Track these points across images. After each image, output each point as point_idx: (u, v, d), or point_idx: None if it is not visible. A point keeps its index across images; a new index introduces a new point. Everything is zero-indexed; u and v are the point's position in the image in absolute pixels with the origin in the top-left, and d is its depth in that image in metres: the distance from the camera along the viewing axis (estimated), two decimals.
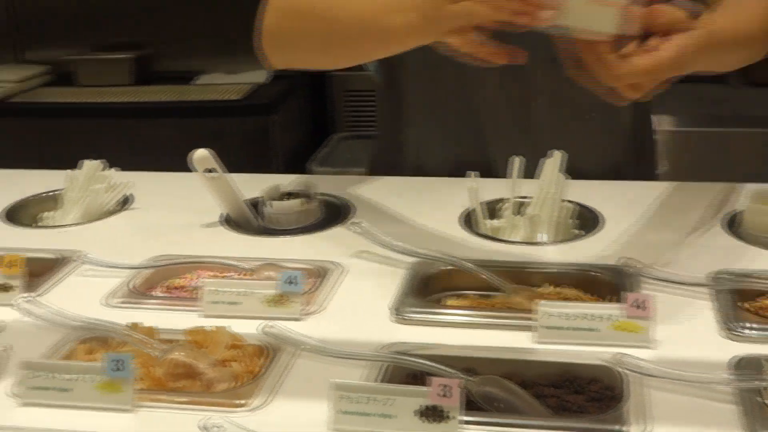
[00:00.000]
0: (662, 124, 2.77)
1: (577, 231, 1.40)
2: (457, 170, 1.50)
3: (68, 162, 1.60)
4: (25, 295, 1.17)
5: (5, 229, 1.51)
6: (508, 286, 1.18)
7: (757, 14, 1.20)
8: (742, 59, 1.24)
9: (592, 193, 1.47)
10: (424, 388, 0.91)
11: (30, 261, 1.33)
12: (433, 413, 0.91)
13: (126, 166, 1.65)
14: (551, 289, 1.20)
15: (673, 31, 1.05)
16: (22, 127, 3.12)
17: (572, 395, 0.99)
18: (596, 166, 1.56)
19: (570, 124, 1.54)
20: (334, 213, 1.49)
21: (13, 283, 1.22)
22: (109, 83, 3.23)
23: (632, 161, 1.62)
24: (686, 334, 1.07)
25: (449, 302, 1.22)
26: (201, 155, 1.41)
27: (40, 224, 1.57)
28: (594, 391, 0.99)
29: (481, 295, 1.22)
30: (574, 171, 1.41)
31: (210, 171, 1.43)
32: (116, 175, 1.58)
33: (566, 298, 1.18)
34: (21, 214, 1.59)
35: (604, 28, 1.03)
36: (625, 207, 1.44)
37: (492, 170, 1.51)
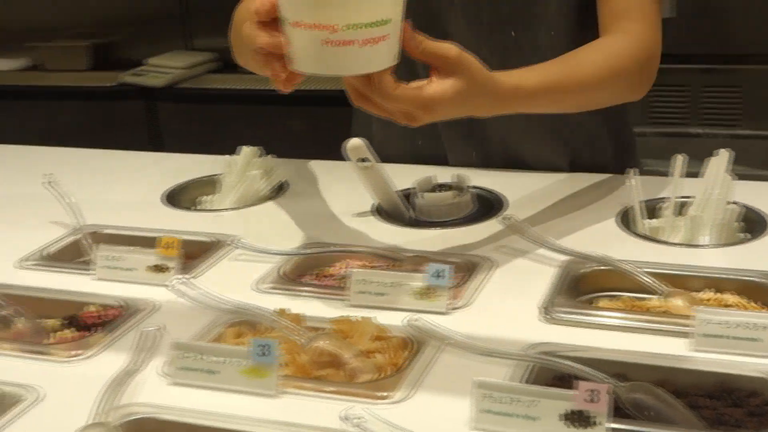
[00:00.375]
0: None
1: (743, 235, 1.33)
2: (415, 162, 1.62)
3: (230, 147, 1.64)
4: (180, 276, 1.20)
5: (165, 211, 1.56)
6: (665, 290, 1.13)
7: (545, 72, 1.23)
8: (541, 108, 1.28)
9: (761, 194, 1.39)
10: (570, 392, 0.87)
11: (186, 243, 1.36)
12: (578, 418, 0.87)
13: (284, 153, 1.68)
14: (711, 294, 1.14)
15: (446, 68, 1.08)
16: (188, 111, 3.23)
17: (730, 408, 0.93)
18: (552, 158, 1.58)
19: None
20: (487, 206, 1.46)
21: (169, 264, 1.25)
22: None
23: (594, 154, 1.59)
24: None
25: (601, 303, 1.17)
26: (354, 144, 1.41)
27: (198, 207, 1.61)
28: (754, 405, 0.93)
29: (635, 298, 1.17)
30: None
31: (363, 160, 1.43)
32: (272, 162, 1.60)
33: (727, 306, 1.12)
34: (182, 196, 1.64)
35: (386, 65, 1.04)
36: None
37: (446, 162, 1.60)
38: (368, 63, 1.03)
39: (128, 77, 3.36)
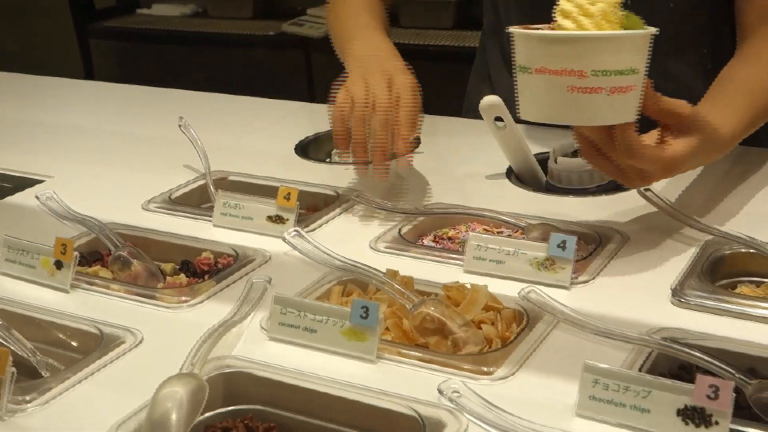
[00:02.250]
0: None
1: None
2: None
3: None
4: (296, 228, 1.17)
5: (296, 162, 1.53)
6: None
7: (745, 115, 1.18)
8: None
9: None
10: (689, 386, 0.79)
11: (310, 195, 1.34)
12: (696, 415, 0.79)
13: (433, 109, 1.63)
14: None
15: (680, 127, 1.07)
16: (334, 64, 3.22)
17: None
18: None
19: None
20: None
21: (287, 215, 1.22)
22: (430, 26, 3.24)
23: None
24: None
25: (743, 289, 1.06)
26: (489, 102, 1.34)
27: (330, 160, 1.58)
28: None
29: None
30: None
31: (498, 120, 1.36)
32: None
33: None
34: (316, 148, 1.61)
35: (630, 117, 1.01)
36: None
37: None
38: (614, 113, 1.00)
39: (288, 27, 3.38)
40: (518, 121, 1.37)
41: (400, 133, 1.23)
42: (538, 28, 1.03)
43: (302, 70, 3.42)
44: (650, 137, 1.10)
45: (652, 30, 1.00)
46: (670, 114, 1.06)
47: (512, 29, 1.03)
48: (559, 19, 1.00)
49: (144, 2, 3.94)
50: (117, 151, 1.65)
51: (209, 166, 1.42)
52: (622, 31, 0.98)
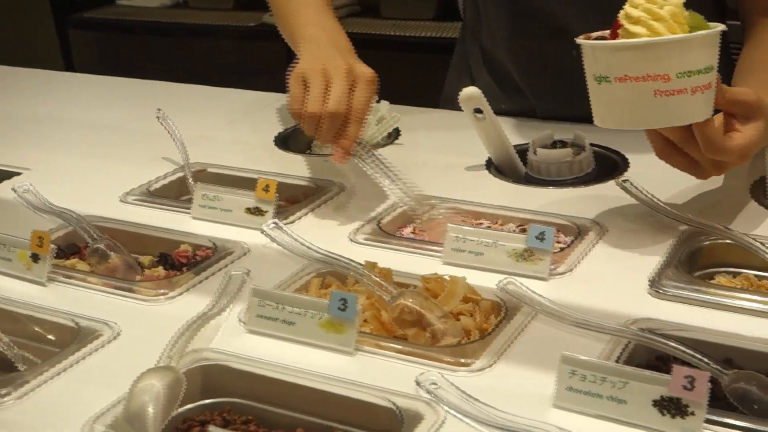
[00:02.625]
0: None
1: None
2: None
3: None
4: (274, 221, 1.16)
5: (276, 154, 1.53)
6: None
7: None
8: None
9: None
10: (665, 376, 0.79)
11: (290, 187, 1.34)
12: (672, 406, 0.79)
13: (408, 100, 1.62)
14: None
15: (747, 113, 1.08)
16: None
17: None
18: None
19: None
20: (609, 167, 1.36)
21: (266, 207, 1.22)
22: (410, 17, 3.24)
23: None
24: None
25: (720, 280, 1.07)
26: (468, 93, 1.33)
27: (310, 152, 1.58)
28: None
29: (759, 277, 1.06)
30: None
31: (478, 111, 1.36)
32: (386, 108, 1.54)
33: None
34: (294, 139, 1.61)
35: (710, 114, 1.03)
36: None
37: None
38: (697, 112, 1.03)
39: (269, 18, 3.36)
40: (497, 112, 1.38)
41: (349, 132, 1.21)
42: (602, 37, 1.06)
43: (283, 61, 3.40)
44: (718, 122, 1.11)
45: (722, 27, 1.02)
46: (736, 103, 1.08)
47: (582, 41, 1.05)
48: (629, 26, 1.01)
49: None
50: (95, 143, 1.64)
51: (188, 158, 1.41)
52: (698, 32, 1.01)
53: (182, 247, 1.18)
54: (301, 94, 1.21)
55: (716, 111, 1.07)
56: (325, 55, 1.26)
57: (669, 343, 0.88)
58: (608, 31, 1.05)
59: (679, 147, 1.09)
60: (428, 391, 0.85)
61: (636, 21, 1.01)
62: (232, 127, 1.69)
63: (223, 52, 3.49)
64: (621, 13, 1.03)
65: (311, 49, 1.29)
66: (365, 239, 1.18)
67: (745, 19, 1.40)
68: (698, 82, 1.01)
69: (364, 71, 1.25)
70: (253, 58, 3.43)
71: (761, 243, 1.06)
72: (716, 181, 1.29)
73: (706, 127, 1.04)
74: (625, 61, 1.01)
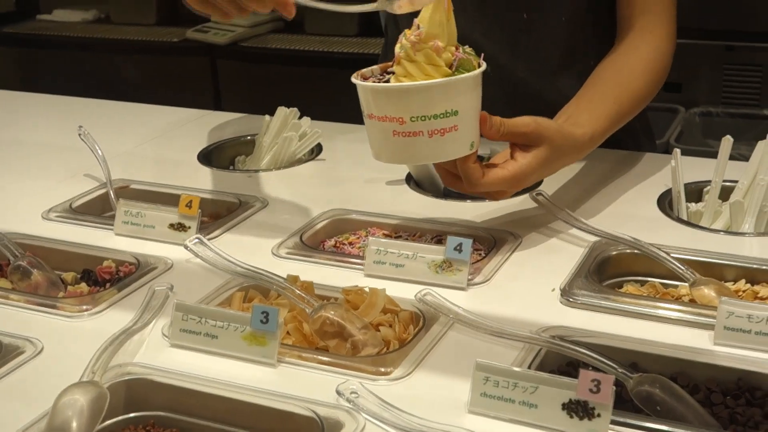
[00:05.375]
0: None
1: None
2: None
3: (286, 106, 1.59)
4: (197, 236, 1.18)
5: (198, 170, 1.54)
6: (694, 278, 1.07)
7: (608, 112, 1.26)
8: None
9: None
10: (573, 381, 0.83)
11: (211, 203, 1.35)
12: (580, 409, 0.83)
13: (333, 116, 1.65)
14: (744, 285, 1.08)
15: (527, 142, 1.13)
16: (248, 70, 3.22)
17: (747, 407, 0.88)
18: None
19: None
20: None
21: (188, 223, 1.23)
22: (334, 33, 3.27)
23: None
24: None
25: (628, 288, 1.12)
26: None
27: (234, 167, 1.59)
28: None
29: (665, 285, 1.11)
30: None
31: None
32: (308, 124, 1.57)
33: (761, 299, 1.05)
34: (219, 155, 1.62)
35: (459, 154, 1.08)
36: None
37: None
38: (440, 153, 1.08)
39: (192, 33, 3.36)
40: None
41: None
42: (387, 68, 1.10)
43: (207, 77, 3.41)
44: (505, 153, 1.16)
45: (467, 75, 1.05)
46: (514, 135, 1.13)
47: (353, 78, 1.10)
48: (395, 66, 1.07)
49: (45, 7, 3.87)
50: (16, 160, 1.63)
51: (110, 174, 1.41)
52: (429, 81, 1.04)
53: (105, 263, 1.19)
54: None
55: None
56: None
57: (578, 349, 0.92)
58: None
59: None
60: (348, 400, 0.87)
61: (396, 62, 1.06)
62: (155, 143, 1.70)
63: (147, 67, 3.48)
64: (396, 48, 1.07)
65: None
66: (288, 253, 1.20)
67: (620, 18, 1.41)
68: (436, 126, 1.05)
69: None
70: (177, 74, 3.42)
71: (666, 253, 1.11)
72: (626, 194, 1.34)
73: (463, 163, 1.10)
74: (371, 101, 1.07)
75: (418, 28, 1.04)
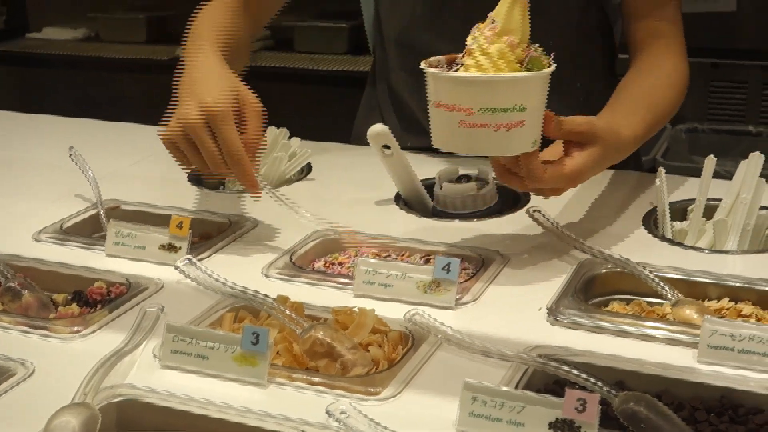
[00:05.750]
0: None
1: None
2: None
3: (276, 124, 1.58)
4: (188, 257, 1.19)
5: (189, 190, 1.55)
6: (677, 297, 1.08)
7: (643, 118, 1.30)
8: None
9: None
10: (559, 399, 0.84)
11: (204, 223, 1.36)
12: (566, 427, 0.84)
13: (325, 132, 1.66)
14: (728, 304, 1.09)
15: (583, 141, 1.16)
16: None
17: (730, 425, 0.89)
18: None
19: None
20: (511, 200, 1.42)
21: (179, 244, 1.24)
22: (323, 51, 3.29)
23: None
24: None
25: (614, 307, 1.13)
26: (376, 131, 1.38)
27: (224, 187, 1.60)
28: (757, 424, 0.89)
29: (650, 303, 1.13)
30: None
31: (386, 147, 1.40)
32: (298, 144, 1.58)
33: (743, 317, 1.07)
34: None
35: (521, 150, 1.10)
36: None
37: None
38: (503, 147, 1.09)
39: (182, 51, 3.37)
40: (404, 148, 1.43)
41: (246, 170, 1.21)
42: (454, 59, 1.12)
43: None
44: (555, 149, 1.19)
45: (538, 72, 1.07)
46: (572, 134, 1.16)
47: (422, 65, 1.11)
48: (466, 57, 1.08)
49: (34, 26, 3.88)
50: (6, 180, 1.64)
51: (101, 195, 1.42)
52: (502, 75, 1.06)
53: (96, 284, 1.20)
54: (196, 155, 1.21)
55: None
56: (201, 88, 1.24)
57: (564, 368, 0.93)
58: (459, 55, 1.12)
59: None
60: (338, 420, 0.88)
61: (469, 53, 1.07)
62: (146, 163, 1.71)
63: (137, 85, 3.49)
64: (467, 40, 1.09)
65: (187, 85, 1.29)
66: (278, 273, 1.21)
67: (632, 41, 1.48)
68: (502, 120, 1.06)
69: (251, 99, 1.25)
70: (167, 93, 3.43)
71: (650, 271, 1.12)
72: (612, 212, 1.36)
73: (526, 159, 1.11)
74: (437, 89, 1.09)
75: (493, 22, 1.06)
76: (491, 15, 1.07)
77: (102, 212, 1.39)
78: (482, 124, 1.07)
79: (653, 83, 1.40)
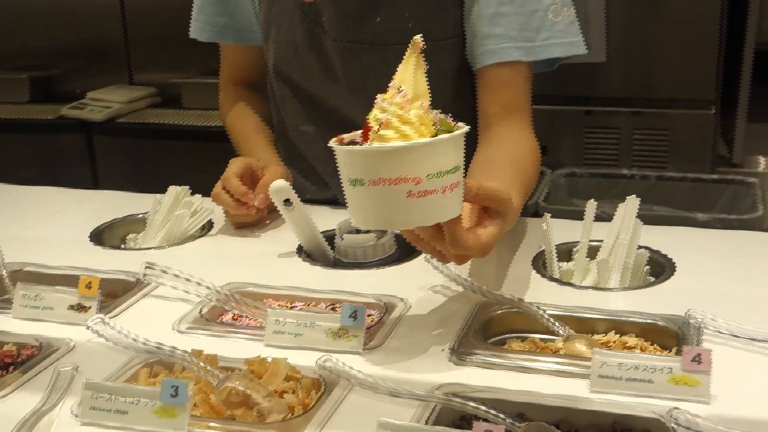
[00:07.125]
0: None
1: (652, 278, 1.38)
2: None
3: (167, 183, 1.64)
4: (98, 316, 1.21)
5: (91, 250, 1.57)
6: (567, 332, 1.17)
7: (518, 191, 1.33)
8: None
9: (667, 239, 1.45)
10: None
11: (108, 282, 1.38)
12: None
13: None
14: (614, 337, 1.18)
15: (499, 209, 1.14)
16: (127, 146, 3.24)
17: None
18: None
19: None
20: (408, 248, 1.49)
21: (88, 303, 1.27)
22: (213, 106, 3.32)
23: None
24: (746, 391, 1.04)
25: (512, 345, 1.21)
26: (278, 186, 1.44)
27: (126, 246, 1.63)
28: None
29: (544, 339, 1.21)
30: None
31: (287, 202, 1.46)
32: (200, 201, 1.62)
33: (629, 348, 1.16)
34: (110, 234, 1.65)
35: (457, 212, 1.08)
36: (700, 254, 1.42)
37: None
38: (446, 211, 1.06)
39: (68, 111, 3.36)
40: (305, 201, 1.48)
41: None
42: (354, 140, 1.07)
43: (84, 153, 3.40)
44: (465, 218, 1.15)
45: (466, 128, 1.07)
46: (492, 200, 1.13)
47: (336, 146, 1.06)
48: (380, 130, 1.03)
49: None
50: None
51: (3, 258, 1.43)
52: (445, 134, 1.05)
53: (6, 347, 1.21)
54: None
55: None
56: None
57: (470, 403, 1.00)
58: (359, 133, 1.07)
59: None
60: None
61: (387, 125, 1.03)
62: (43, 224, 1.71)
63: (22, 146, 3.45)
64: (370, 116, 1.05)
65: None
66: (189, 328, 1.24)
67: (484, 114, 1.52)
68: (447, 182, 1.04)
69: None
70: (53, 152, 3.40)
71: (542, 310, 1.21)
72: (504, 255, 1.44)
73: (452, 225, 1.08)
74: (380, 165, 1.02)
75: (400, 90, 1.03)
76: (394, 84, 1.04)
77: (6, 275, 1.39)
78: (431, 191, 1.03)
79: (515, 153, 1.44)
